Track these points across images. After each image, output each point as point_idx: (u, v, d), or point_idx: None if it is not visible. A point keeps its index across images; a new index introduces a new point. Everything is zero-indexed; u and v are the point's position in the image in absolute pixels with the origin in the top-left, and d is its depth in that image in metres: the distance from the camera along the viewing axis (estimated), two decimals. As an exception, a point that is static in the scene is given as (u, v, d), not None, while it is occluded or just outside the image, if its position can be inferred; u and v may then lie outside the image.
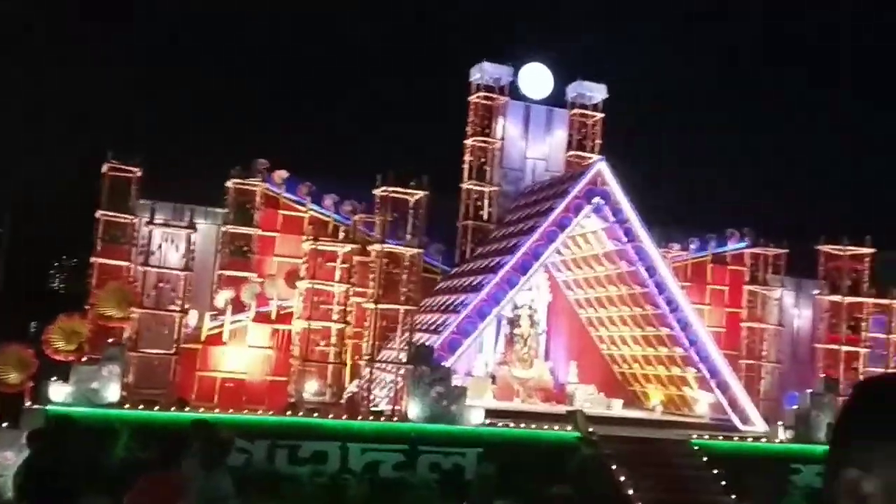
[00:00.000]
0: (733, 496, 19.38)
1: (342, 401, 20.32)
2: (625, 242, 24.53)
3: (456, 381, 26.62)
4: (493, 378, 27.35)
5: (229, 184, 24.93)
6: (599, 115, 29.36)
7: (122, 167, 23.69)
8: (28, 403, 16.87)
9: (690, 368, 25.36)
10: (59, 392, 16.88)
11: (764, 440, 22.17)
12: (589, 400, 26.89)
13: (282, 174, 25.86)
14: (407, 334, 20.17)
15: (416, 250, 20.77)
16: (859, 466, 1.81)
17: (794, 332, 29.96)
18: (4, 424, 16.08)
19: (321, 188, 26.30)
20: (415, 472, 18.87)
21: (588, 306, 28.55)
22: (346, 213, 25.83)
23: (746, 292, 29.39)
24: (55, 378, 17.04)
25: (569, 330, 29.30)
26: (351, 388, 22.33)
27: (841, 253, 26.47)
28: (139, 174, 23.83)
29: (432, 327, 23.46)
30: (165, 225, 20.46)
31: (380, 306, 20.15)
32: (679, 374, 26.13)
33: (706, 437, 21.48)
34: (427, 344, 20.71)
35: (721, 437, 21.66)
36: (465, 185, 28.22)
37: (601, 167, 24.48)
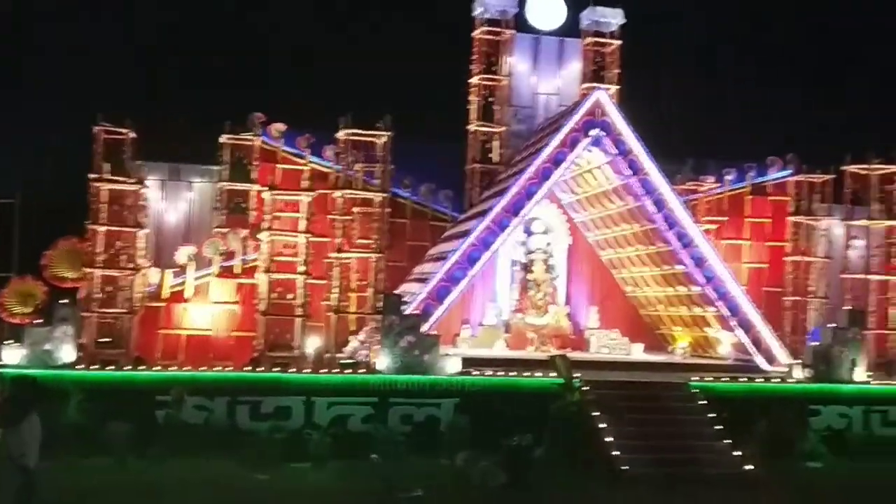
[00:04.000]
0: (727, 441, 17.88)
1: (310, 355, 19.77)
2: (629, 175, 22.91)
3: (464, 331, 25.99)
4: (508, 327, 26.42)
5: (223, 139, 24.58)
6: (616, 43, 27.47)
7: (114, 130, 23.63)
8: (-15, 366, 17.06)
9: (711, 308, 23.65)
10: (13, 355, 17.02)
11: (777, 380, 20.43)
12: (608, 345, 25.69)
13: (279, 127, 25.19)
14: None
15: (382, 195, 19.84)
16: None
17: (846, 265, 27.32)
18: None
19: (323, 140, 25.64)
20: (385, 424, 18.23)
21: (608, 247, 27.04)
22: (348, 163, 25.12)
23: (790, 224, 27.20)
24: (11, 341, 17.18)
25: (591, 274, 27.91)
26: (353, 343, 21.76)
27: (867, 173, 23.99)
28: (132, 136, 23.73)
29: (424, 277, 22.63)
30: (117, 181, 20.13)
31: (342, 255, 19.42)
32: (700, 314, 24.44)
33: (709, 378, 19.92)
34: (396, 293, 19.89)
35: (726, 379, 20.06)
36: (471, 127, 27.03)
37: (600, 97, 22.85)
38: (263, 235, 20.01)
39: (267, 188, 20.25)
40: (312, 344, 19.96)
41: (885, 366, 21.80)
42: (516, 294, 26.75)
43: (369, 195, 19.70)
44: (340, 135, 20.22)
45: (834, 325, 21.27)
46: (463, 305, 26.98)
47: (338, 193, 19.82)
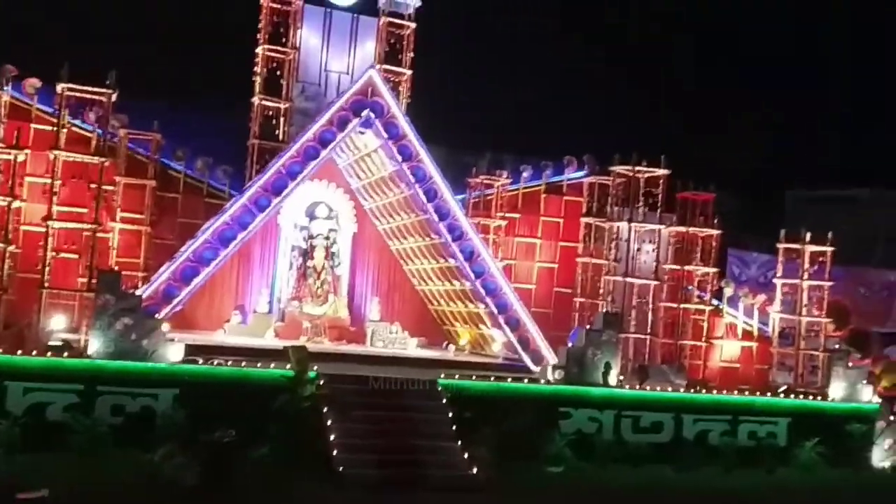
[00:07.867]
0: (461, 443, 17.02)
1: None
2: (401, 162, 21.85)
3: (234, 318, 24.29)
4: (283, 315, 24.97)
5: (-36, 92, 22.00)
6: (412, 26, 26.41)
7: None
8: None
9: (482, 304, 22.91)
10: None
11: (528, 381, 19.80)
12: (386, 339, 24.59)
13: (34, 83, 22.76)
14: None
15: (100, 160, 18.00)
16: None
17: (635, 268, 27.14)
18: None
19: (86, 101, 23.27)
20: (90, 415, 16.44)
21: (394, 237, 25.96)
22: (113, 129, 23.01)
23: (583, 225, 26.89)
24: None
25: (378, 264, 26.76)
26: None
27: (630, 174, 23.91)
28: None
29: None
30: None
31: (54, 224, 17.47)
32: (475, 310, 23.69)
33: (457, 376, 19.07)
34: (113, 269, 18.11)
35: (474, 377, 19.27)
36: (255, 100, 25.39)
37: (372, 76, 21.69)
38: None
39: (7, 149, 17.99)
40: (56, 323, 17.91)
41: (639, 370, 21.57)
42: (294, 281, 25.31)
43: (90, 160, 17.76)
44: (59, 89, 18.23)
45: (589, 327, 20.85)
46: (238, 291, 25.45)
47: (50, 154, 17.79)
